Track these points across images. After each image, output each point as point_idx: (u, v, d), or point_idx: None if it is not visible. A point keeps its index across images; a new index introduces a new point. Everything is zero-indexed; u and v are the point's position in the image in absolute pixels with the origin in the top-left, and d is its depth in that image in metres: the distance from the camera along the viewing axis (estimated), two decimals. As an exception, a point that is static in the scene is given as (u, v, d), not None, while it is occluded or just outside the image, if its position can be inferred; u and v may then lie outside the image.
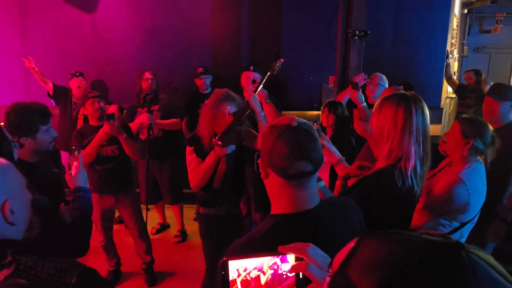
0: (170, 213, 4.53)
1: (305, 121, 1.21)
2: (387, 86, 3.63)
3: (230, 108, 2.61)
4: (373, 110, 1.78)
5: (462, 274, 0.48)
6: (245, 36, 5.25)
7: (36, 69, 4.52)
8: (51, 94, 4.65)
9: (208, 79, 4.56)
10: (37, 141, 2.15)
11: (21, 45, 5.21)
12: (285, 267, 0.94)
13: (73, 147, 2.09)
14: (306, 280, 0.92)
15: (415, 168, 1.63)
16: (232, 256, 0.92)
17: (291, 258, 0.94)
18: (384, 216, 1.62)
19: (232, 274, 0.92)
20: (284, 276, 0.95)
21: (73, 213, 1.88)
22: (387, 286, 0.49)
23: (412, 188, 1.65)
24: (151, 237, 4.34)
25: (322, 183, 1.85)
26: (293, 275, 0.94)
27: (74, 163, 2.03)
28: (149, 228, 4.35)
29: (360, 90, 3.55)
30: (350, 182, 1.95)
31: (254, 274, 0.95)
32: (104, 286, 1.07)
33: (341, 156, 2.25)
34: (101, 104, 3.31)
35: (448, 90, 6.72)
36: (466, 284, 0.47)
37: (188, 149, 2.72)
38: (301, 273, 0.92)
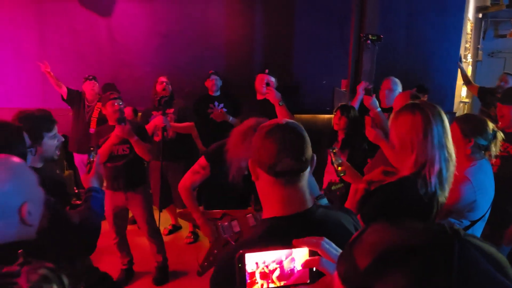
0: (181, 214, 4.58)
1: (294, 121, 1.22)
2: (400, 90, 3.63)
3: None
4: (389, 124, 1.78)
5: (450, 263, 0.50)
6: (258, 40, 5.30)
7: (52, 73, 4.62)
8: (65, 98, 4.75)
9: (218, 81, 4.60)
10: (43, 148, 2.18)
11: (39, 49, 5.34)
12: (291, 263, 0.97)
13: (91, 148, 2.14)
14: (319, 273, 0.93)
15: (440, 173, 1.62)
16: (249, 249, 0.93)
17: (301, 253, 0.95)
18: None
19: (252, 267, 0.93)
20: (291, 271, 0.97)
21: (83, 212, 1.91)
22: (381, 263, 0.53)
23: (434, 194, 1.64)
24: (165, 238, 4.42)
25: (325, 200, 1.87)
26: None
27: (92, 164, 2.09)
28: (161, 229, 4.42)
29: (374, 96, 3.55)
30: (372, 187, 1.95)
31: (272, 267, 0.97)
32: None
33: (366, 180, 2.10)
34: (121, 105, 3.41)
35: (461, 94, 6.66)
36: (452, 272, 0.49)
37: (204, 163, 2.66)
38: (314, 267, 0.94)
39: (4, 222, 1.05)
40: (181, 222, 4.69)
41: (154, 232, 3.65)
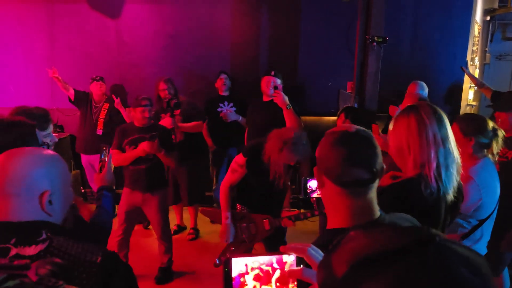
0: (187, 215, 4.62)
1: (364, 128, 1.16)
2: (426, 94, 3.60)
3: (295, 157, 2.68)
4: (388, 132, 1.80)
5: (423, 270, 0.49)
6: (264, 42, 5.32)
7: (59, 77, 4.64)
8: (72, 100, 4.79)
9: (227, 80, 4.66)
10: None
11: (49, 51, 5.41)
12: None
13: (103, 148, 2.17)
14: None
15: (438, 170, 1.62)
16: (236, 255, 1.00)
17: (290, 259, 0.97)
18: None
19: (241, 269, 0.98)
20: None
21: (95, 210, 1.95)
22: (357, 271, 0.53)
23: (438, 194, 1.63)
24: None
25: None
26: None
27: (104, 163, 2.11)
28: None
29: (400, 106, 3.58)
30: None
31: (265, 269, 1.00)
32: (125, 268, 1.13)
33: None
34: (151, 114, 3.49)
35: (468, 97, 6.62)
36: (424, 279, 0.48)
37: (241, 160, 2.82)
38: None
39: (27, 200, 1.10)
40: (186, 223, 4.72)
41: (166, 236, 3.68)
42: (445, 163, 1.64)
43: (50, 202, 1.12)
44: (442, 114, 1.70)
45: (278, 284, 0.99)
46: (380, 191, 1.76)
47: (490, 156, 2.14)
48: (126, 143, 3.41)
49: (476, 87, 5.56)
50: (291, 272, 0.92)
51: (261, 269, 0.99)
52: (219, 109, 4.56)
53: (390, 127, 1.78)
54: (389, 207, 1.65)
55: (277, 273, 0.99)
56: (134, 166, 3.45)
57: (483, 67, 8.22)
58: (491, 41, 8.39)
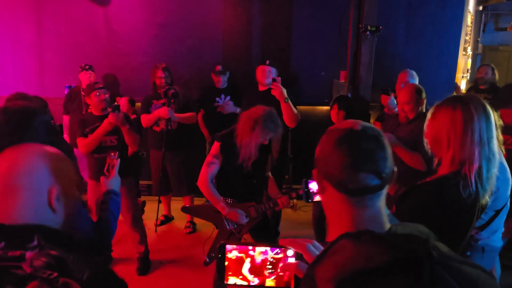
0: (175, 206, 4.57)
1: (372, 125, 1.00)
2: (417, 83, 3.58)
3: (268, 134, 2.66)
4: (427, 120, 1.69)
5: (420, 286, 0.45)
6: (256, 31, 5.26)
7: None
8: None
9: (225, 77, 4.62)
10: None
11: (36, 38, 5.30)
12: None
13: (112, 153, 2.15)
14: None
15: (480, 171, 1.53)
16: (230, 242, 0.97)
17: (289, 253, 0.95)
18: (443, 227, 1.41)
19: (235, 257, 0.97)
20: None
21: (101, 213, 1.93)
22: (345, 284, 0.48)
23: (476, 196, 1.55)
24: (158, 228, 4.44)
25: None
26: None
27: (112, 167, 2.10)
28: (154, 221, 4.45)
29: (393, 95, 3.55)
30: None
31: (259, 259, 0.98)
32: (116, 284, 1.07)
33: None
34: (106, 95, 3.41)
35: (461, 87, 6.65)
36: None
37: (216, 147, 2.79)
38: None
39: (35, 197, 1.08)
40: (174, 213, 4.70)
41: (137, 222, 3.64)
42: (488, 164, 1.55)
43: (58, 197, 1.10)
44: (491, 111, 1.60)
45: (272, 273, 0.96)
46: (412, 188, 1.65)
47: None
48: (88, 132, 3.34)
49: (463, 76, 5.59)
50: (286, 265, 0.90)
51: (254, 259, 0.97)
52: (216, 104, 4.52)
53: (429, 115, 1.68)
54: (421, 206, 1.56)
55: (270, 265, 0.97)
56: (99, 154, 3.36)
57: (476, 57, 8.25)
58: (483, 31, 8.42)
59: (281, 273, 0.95)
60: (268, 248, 0.98)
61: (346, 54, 4.62)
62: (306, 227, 4.23)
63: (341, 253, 0.51)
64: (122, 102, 4.43)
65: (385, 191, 0.96)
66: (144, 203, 4.82)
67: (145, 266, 3.71)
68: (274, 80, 3.60)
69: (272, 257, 0.97)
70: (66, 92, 4.78)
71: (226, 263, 0.97)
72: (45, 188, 1.09)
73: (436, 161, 1.70)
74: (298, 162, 4.94)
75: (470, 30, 7.31)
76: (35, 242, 0.99)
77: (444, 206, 1.54)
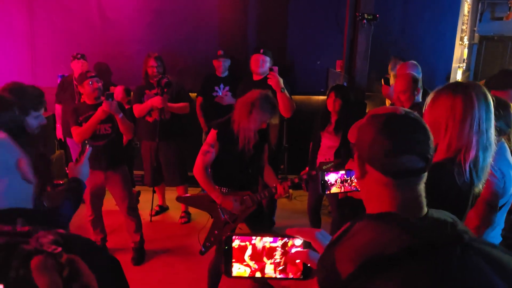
0: (169, 196, 4.56)
1: (412, 111, 1.04)
2: (420, 75, 3.53)
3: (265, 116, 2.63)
4: (426, 105, 1.66)
5: (447, 271, 0.45)
6: (251, 19, 5.20)
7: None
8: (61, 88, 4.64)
9: (226, 62, 4.56)
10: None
11: (28, 26, 5.21)
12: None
13: (86, 141, 2.12)
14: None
15: (475, 160, 1.52)
16: (238, 233, 0.95)
17: (297, 242, 0.92)
18: None
19: (241, 248, 0.95)
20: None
21: (59, 200, 1.88)
22: (367, 271, 0.47)
23: (471, 184, 1.54)
24: (152, 218, 4.42)
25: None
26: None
27: (83, 154, 2.07)
28: (148, 211, 4.43)
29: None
30: None
31: (260, 245, 0.96)
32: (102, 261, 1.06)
33: None
34: (99, 84, 3.39)
35: (457, 77, 6.64)
36: (449, 280, 0.44)
37: (212, 135, 2.76)
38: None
39: (9, 179, 1.06)
40: (169, 203, 4.69)
41: (132, 211, 3.64)
42: (484, 154, 1.54)
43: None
44: (490, 98, 1.58)
45: (281, 265, 0.95)
46: None
47: (506, 141, 2.02)
48: (82, 121, 3.33)
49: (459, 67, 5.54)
50: (297, 253, 0.88)
51: (262, 249, 0.96)
52: (214, 94, 4.47)
53: (428, 100, 1.66)
54: None
55: (278, 255, 0.96)
56: (93, 142, 3.31)
57: (472, 47, 8.23)
58: (479, 20, 8.38)
59: (283, 262, 0.94)
60: (272, 239, 0.96)
61: (342, 44, 4.58)
62: (301, 216, 4.23)
63: (362, 235, 0.51)
64: (118, 91, 4.38)
65: (426, 174, 0.99)
66: (138, 193, 4.80)
67: (140, 256, 3.71)
68: (271, 69, 3.57)
69: (274, 246, 0.96)
70: (59, 81, 4.72)
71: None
72: (12, 164, 1.07)
73: None
74: (293, 152, 4.93)
75: (467, 20, 7.27)
76: (19, 225, 0.98)
77: (440, 193, 1.53)
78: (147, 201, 4.47)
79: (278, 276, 0.93)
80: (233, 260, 0.95)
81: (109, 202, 3.80)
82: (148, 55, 4.22)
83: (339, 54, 4.70)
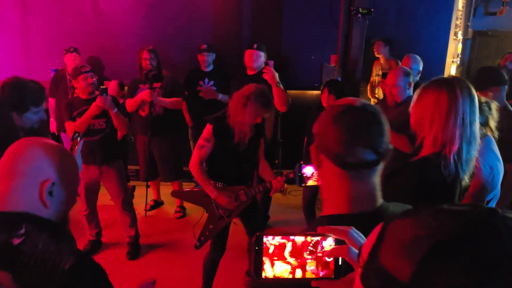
0: (164, 190, 4.56)
1: (371, 103, 1.04)
2: (421, 69, 3.53)
3: (261, 109, 2.61)
4: (413, 100, 1.69)
5: (501, 241, 0.45)
6: (246, 13, 5.19)
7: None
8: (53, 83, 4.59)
9: (210, 57, 4.49)
10: (23, 120, 2.16)
11: (20, 19, 5.16)
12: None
13: (76, 134, 2.11)
14: (346, 269, 0.84)
15: (459, 152, 1.55)
16: (269, 232, 0.87)
17: (327, 244, 0.86)
18: None
19: (271, 248, 0.88)
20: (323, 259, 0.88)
21: None
22: (427, 262, 0.46)
23: (456, 176, 1.57)
24: (147, 213, 4.42)
25: None
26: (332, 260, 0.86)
27: (75, 147, 2.06)
28: (143, 205, 4.43)
29: None
30: None
31: (300, 241, 0.88)
32: (94, 277, 1.06)
33: None
34: (94, 79, 3.37)
35: (450, 72, 6.66)
36: (505, 250, 0.44)
37: (208, 130, 2.73)
38: (340, 259, 0.85)
39: (29, 184, 1.07)
40: (164, 198, 4.69)
41: (127, 206, 3.64)
42: (468, 147, 1.57)
43: (51, 193, 1.08)
44: (474, 93, 1.60)
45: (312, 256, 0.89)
46: (397, 169, 1.66)
47: (489, 132, 2.06)
48: (76, 116, 3.32)
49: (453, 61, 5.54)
50: (336, 249, 0.83)
51: (294, 247, 0.88)
52: (198, 88, 4.44)
53: (415, 96, 1.68)
54: (406, 187, 1.57)
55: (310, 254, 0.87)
56: (87, 137, 3.35)
57: (465, 42, 8.25)
58: (473, 15, 8.40)
59: (322, 256, 0.86)
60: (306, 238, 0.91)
61: (336, 38, 4.58)
62: (296, 211, 4.25)
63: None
64: (112, 85, 4.36)
65: (380, 167, 0.99)
66: (133, 187, 4.80)
67: (135, 250, 3.71)
68: (266, 63, 3.56)
69: (312, 241, 0.90)
70: (52, 75, 4.69)
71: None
72: (39, 179, 1.08)
73: (417, 141, 1.72)
74: (287, 147, 4.94)
75: (461, 15, 7.29)
76: (23, 230, 1.00)
77: (427, 186, 1.57)
78: (142, 195, 4.47)
79: (321, 274, 0.86)
80: (275, 258, 0.87)
81: (104, 197, 3.80)
82: (142, 48, 4.20)
83: (334, 49, 4.70)
